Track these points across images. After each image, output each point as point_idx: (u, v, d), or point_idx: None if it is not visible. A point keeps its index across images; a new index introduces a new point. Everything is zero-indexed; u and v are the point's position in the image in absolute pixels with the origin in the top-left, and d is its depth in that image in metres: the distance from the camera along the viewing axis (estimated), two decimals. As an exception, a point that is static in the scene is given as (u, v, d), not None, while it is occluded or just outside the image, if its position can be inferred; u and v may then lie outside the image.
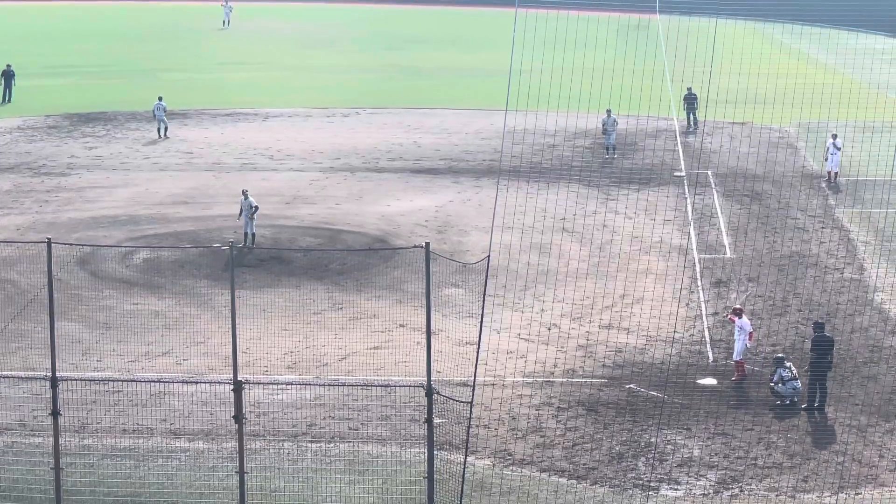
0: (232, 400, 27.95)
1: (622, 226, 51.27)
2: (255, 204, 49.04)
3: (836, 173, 58.83)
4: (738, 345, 36.26)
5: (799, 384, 34.43)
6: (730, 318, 37.33)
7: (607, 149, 64.83)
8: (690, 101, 69.50)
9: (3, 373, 34.82)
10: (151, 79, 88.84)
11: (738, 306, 37.78)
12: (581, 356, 38.00)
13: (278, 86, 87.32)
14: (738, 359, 36.31)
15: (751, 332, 36.44)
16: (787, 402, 34.38)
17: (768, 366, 35.96)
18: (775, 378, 34.63)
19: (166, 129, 69.72)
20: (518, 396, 35.00)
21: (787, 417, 33.81)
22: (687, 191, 56.76)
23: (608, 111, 63.33)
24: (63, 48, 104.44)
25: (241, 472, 27.92)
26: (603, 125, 64.31)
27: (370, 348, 38.49)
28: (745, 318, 36.57)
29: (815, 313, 40.78)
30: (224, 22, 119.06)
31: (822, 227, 51.38)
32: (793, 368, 34.64)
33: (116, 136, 70.25)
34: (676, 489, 30.08)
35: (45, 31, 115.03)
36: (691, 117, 70.17)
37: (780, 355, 35.24)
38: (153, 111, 70.26)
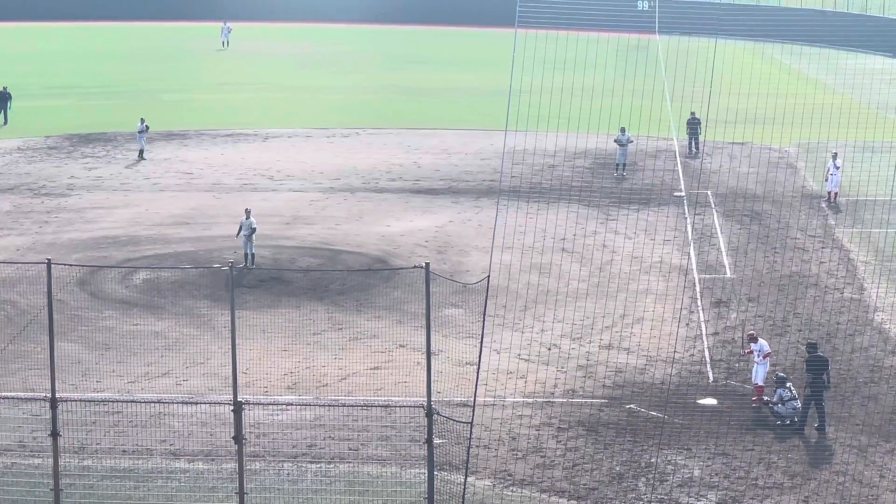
0: (232, 421, 27.93)
1: (622, 246, 51.26)
2: (255, 225, 49.02)
3: (835, 193, 58.86)
4: (761, 369, 35.93)
5: (799, 404, 34.38)
6: (748, 352, 36.88)
7: (617, 167, 64.91)
8: (693, 125, 69.14)
9: (3, 394, 34.77)
10: (151, 99, 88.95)
11: (751, 332, 37.44)
12: (581, 376, 37.96)
13: (278, 106, 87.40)
14: (759, 383, 35.95)
15: (768, 353, 36.16)
16: (788, 421, 34.33)
17: (769, 385, 35.88)
18: (775, 398, 34.60)
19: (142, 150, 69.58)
20: (518, 416, 34.95)
21: (788, 437, 33.77)
22: (687, 211, 56.78)
23: (622, 129, 63.52)
24: (62, 69, 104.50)
25: (241, 493, 27.89)
26: (617, 142, 64.39)
27: (370, 368, 38.45)
28: (762, 341, 36.35)
29: (815, 333, 40.76)
30: (223, 43, 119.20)
31: (822, 247, 51.39)
32: (792, 388, 34.60)
33: (116, 156, 70.27)
34: (677, 510, 30.03)
35: (44, 52, 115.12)
36: (693, 142, 69.82)
37: (781, 374, 35.18)
38: (137, 132, 69.98)
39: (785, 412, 34.37)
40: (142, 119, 69.77)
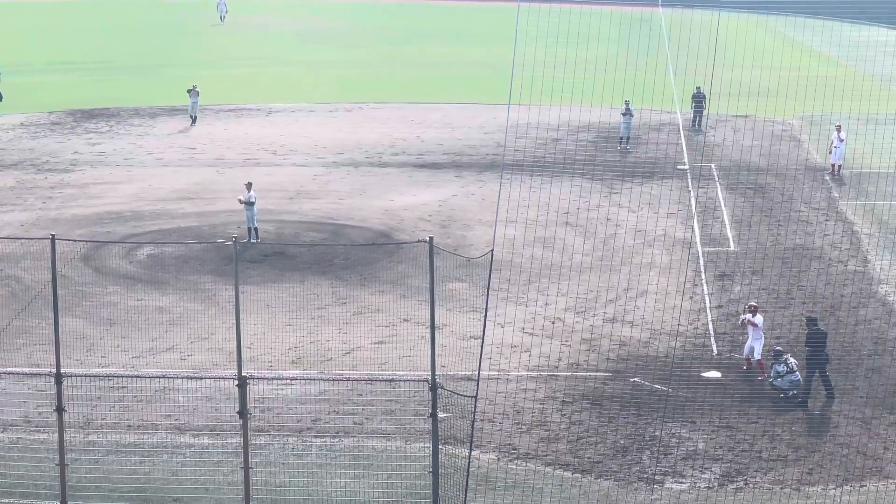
0: (236, 395, 27.96)
1: (626, 219, 51.24)
2: (254, 199, 48.78)
3: (839, 166, 58.80)
4: (757, 345, 35.92)
5: (798, 377, 34.32)
6: (748, 322, 36.56)
7: (621, 140, 64.88)
8: (699, 100, 68.68)
9: (8, 369, 34.87)
10: (154, 75, 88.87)
11: (753, 304, 37.17)
12: (585, 350, 38.00)
13: (281, 81, 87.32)
14: (758, 357, 35.97)
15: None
16: (790, 393, 34.34)
17: (766, 360, 35.85)
18: (772, 373, 34.57)
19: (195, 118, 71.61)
20: (522, 390, 35.00)
21: (792, 410, 33.80)
22: (690, 184, 56.73)
23: (626, 102, 63.44)
24: (65, 44, 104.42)
25: (246, 468, 27.93)
26: (622, 115, 64.43)
27: (374, 343, 38.49)
28: (760, 316, 36.22)
29: (819, 306, 40.78)
30: (221, 17, 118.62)
31: (826, 220, 51.35)
32: (789, 361, 34.45)
33: (119, 132, 70.26)
34: (681, 482, 30.09)
35: (46, 27, 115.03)
36: (697, 118, 69.44)
37: (778, 349, 35.11)
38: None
39: (783, 385, 34.33)
40: (194, 85, 71.21)
